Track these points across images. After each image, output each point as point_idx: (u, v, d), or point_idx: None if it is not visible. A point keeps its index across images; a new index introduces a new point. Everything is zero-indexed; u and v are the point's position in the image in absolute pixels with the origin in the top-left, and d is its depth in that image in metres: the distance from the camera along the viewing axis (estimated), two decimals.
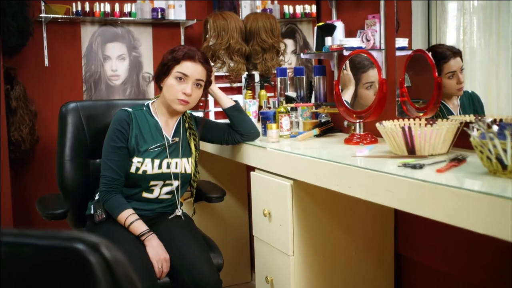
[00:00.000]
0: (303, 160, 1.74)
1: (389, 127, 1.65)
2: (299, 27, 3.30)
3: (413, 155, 1.59)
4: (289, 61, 3.17)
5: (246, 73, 2.97)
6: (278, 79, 2.59)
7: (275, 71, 2.96)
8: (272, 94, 2.97)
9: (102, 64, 3.32)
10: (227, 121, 2.14)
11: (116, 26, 3.34)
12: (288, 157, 1.83)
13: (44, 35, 3.11)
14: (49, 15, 3.05)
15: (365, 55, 1.96)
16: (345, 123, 2.20)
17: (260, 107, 2.82)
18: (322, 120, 2.27)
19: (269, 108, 2.48)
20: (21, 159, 3.07)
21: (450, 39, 1.96)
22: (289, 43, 3.22)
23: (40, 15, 3.03)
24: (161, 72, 1.97)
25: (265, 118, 2.26)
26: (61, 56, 3.20)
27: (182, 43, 3.47)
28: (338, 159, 1.62)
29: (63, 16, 3.12)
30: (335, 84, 2.03)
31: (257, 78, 3.00)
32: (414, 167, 1.41)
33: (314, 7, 3.07)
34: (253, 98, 2.93)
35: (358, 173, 1.48)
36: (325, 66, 2.39)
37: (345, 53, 2.04)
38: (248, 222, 3.11)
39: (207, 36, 2.99)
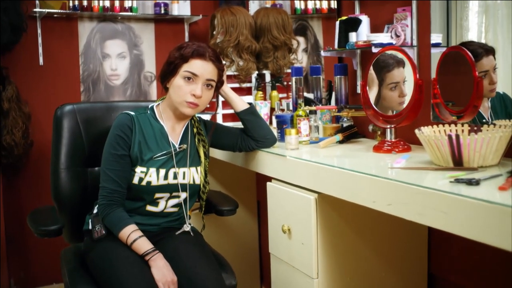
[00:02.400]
0: (330, 171, 1.53)
1: (432, 135, 1.44)
2: (310, 23, 3.10)
3: (461, 167, 1.38)
4: (300, 60, 2.98)
5: (256, 72, 2.79)
6: (293, 78, 2.38)
7: (288, 70, 2.78)
8: (284, 95, 2.77)
9: (101, 63, 3.14)
10: (238, 124, 1.93)
11: (116, 22, 3.16)
12: (312, 167, 1.62)
13: (39, 31, 2.94)
14: (44, 10, 2.88)
15: (397, 51, 1.75)
16: (370, 127, 1.99)
17: (272, 109, 2.62)
18: (344, 125, 2.07)
19: (282, 110, 2.28)
20: (14, 165, 2.87)
21: (471, 37, 1.82)
22: (300, 40, 3.02)
23: (34, 9, 2.86)
24: (167, 72, 1.77)
25: (281, 122, 2.05)
26: (57, 54, 3.02)
27: (186, 40, 3.27)
28: (374, 171, 1.41)
29: (59, 11, 2.96)
30: (362, 85, 1.82)
31: (268, 77, 2.80)
32: (469, 183, 1.20)
33: (324, 3, 2.88)
34: (264, 99, 2.73)
35: (401, 189, 1.27)
36: (346, 65, 2.18)
37: (374, 50, 1.82)
38: (258, 234, 2.91)
39: (214, 32, 2.80)
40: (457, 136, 1.37)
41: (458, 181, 1.23)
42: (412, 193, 1.23)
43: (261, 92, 2.73)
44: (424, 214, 1.19)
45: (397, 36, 1.86)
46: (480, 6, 1.79)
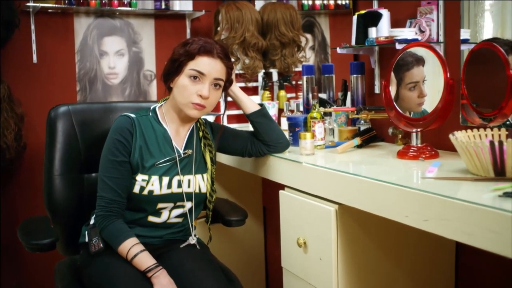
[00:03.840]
0: (353, 180, 1.38)
1: (470, 141, 1.29)
2: (317, 20, 2.95)
3: (503, 178, 1.23)
4: (308, 57, 2.83)
5: (263, 70, 2.64)
6: (304, 77, 2.23)
7: (296, 69, 2.63)
8: (293, 95, 2.62)
9: (98, 61, 2.98)
10: (244, 126, 1.78)
11: (114, 17, 3.01)
12: (332, 175, 1.47)
13: (32, 27, 2.79)
14: (37, 5, 2.73)
15: (425, 48, 1.60)
16: (390, 130, 1.84)
17: (280, 110, 2.47)
18: (362, 128, 1.91)
19: (292, 111, 2.12)
20: (6, 169, 2.72)
21: (487, 35, 1.70)
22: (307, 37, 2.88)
23: (28, 4, 2.72)
24: (171, 70, 1.62)
25: (294, 124, 1.90)
26: (51, 52, 2.87)
27: (188, 37, 3.12)
28: (404, 181, 1.26)
29: (54, 5, 2.81)
30: (384, 85, 1.67)
31: (275, 76, 2.65)
32: None
33: None
34: (272, 99, 2.58)
35: (439, 203, 1.12)
36: (363, 63, 2.03)
37: (398, 46, 1.67)
38: (263, 242, 2.75)
39: (218, 28, 2.65)
40: (500, 142, 1.22)
41: (507, 195, 1.08)
42: (454, 208, 1.08)
43: (268, 92, 2.59)
44: (470, 234, 1.04)
45: (422, 31, 1.71)
46: (495, 5, 1.67)
